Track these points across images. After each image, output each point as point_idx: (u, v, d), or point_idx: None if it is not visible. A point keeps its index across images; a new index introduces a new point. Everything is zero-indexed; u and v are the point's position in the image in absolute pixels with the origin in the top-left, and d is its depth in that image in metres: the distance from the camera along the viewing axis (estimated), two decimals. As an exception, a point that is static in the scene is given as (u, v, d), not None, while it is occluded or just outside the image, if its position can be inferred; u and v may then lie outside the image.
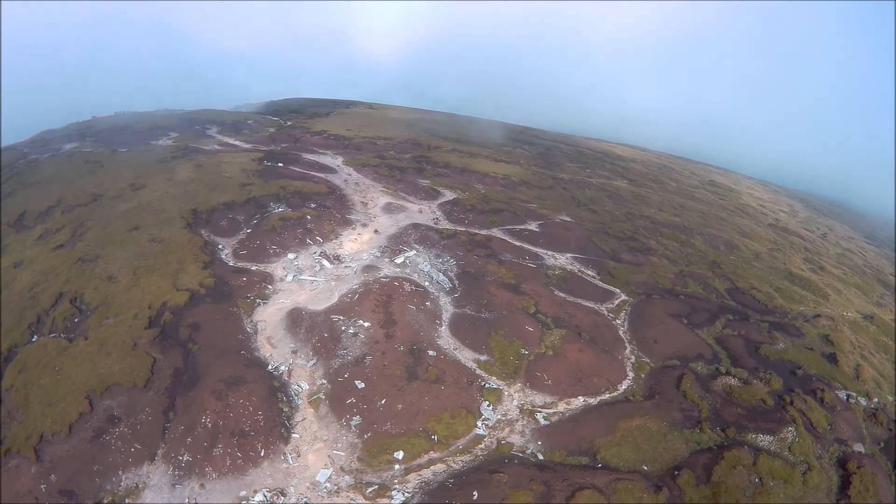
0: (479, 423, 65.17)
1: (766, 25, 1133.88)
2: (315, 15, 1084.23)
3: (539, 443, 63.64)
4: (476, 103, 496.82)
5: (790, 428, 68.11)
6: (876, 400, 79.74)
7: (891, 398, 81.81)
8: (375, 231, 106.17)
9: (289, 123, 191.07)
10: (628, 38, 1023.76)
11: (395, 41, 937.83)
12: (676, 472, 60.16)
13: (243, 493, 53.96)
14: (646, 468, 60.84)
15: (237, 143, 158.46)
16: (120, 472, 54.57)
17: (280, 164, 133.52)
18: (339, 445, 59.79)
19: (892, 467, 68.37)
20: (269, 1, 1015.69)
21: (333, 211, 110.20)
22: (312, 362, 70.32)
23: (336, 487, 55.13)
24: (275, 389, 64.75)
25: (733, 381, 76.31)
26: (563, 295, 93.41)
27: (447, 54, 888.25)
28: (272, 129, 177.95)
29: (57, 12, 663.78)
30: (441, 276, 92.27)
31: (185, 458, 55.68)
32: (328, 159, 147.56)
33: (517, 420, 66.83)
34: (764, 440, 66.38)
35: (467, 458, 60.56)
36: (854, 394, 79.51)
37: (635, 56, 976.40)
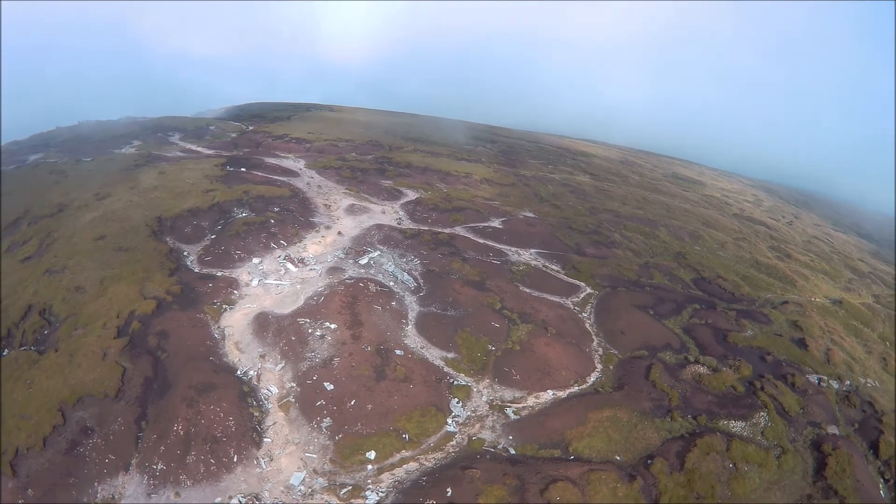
0: (449, 421, 65.87)
1: (746, 23, 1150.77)
2: (282, 16, 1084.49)
3: (510, 437, 64.29)
4: (443, 103, 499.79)
5: (762, 413, 69.33)
6: (848, 382, 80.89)
7: (863, 380, 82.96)
8: (339, 233, 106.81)
9: (250, 128, 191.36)
10: (600, 38, 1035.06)
11: (362, 42, 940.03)
12: (649, 461, 61.04)
13: (218, 499, 54.12)
14: (618, 458, 61.70)
15: (200, 149, 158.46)
16: (96, 484, 54.43)
17: (243, 169, 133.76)
18: (311, 448, 60.08)
19: (868, 448, 69.50)
20: (235, 1, 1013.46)
21: (297, 214, 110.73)
22: (281, 366, 70.52)
23: (310, 490, 55.34)
24: (245, 394, 64.85)
25: (702, 370, 77.44)
26: (528, 290, 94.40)
27: (414, 55, 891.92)
28: (234, 135, 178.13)
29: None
30: (406, 276, 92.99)
31: (159, 467, 55.70)
32: (290, 163, 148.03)
33: (487, 416, 67.52)
34: (736, 426, 67.50)
35: (439, 455, 61.08)
36: (825, 377, 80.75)
37: (607, 55, 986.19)
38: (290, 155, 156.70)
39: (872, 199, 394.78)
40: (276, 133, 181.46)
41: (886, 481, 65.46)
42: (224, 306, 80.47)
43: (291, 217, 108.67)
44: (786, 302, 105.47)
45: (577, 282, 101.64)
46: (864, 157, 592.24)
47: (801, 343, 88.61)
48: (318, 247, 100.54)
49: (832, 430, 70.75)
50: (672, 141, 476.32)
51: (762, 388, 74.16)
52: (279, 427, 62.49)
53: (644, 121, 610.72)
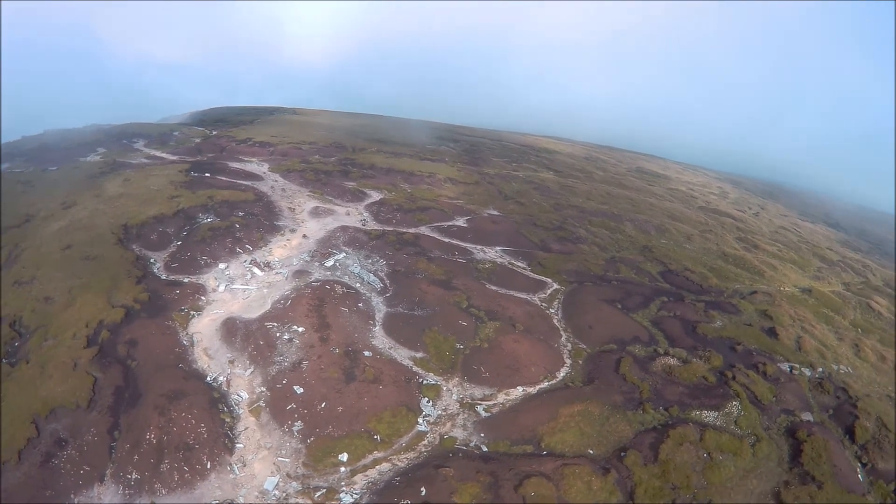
0: (420, 420, 66.36)
1: (718, 22, 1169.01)
2: (244, 19, 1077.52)
3: (482, 435, 64.90)
4: (407, 104, 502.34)
5: (734, 402, 70.71)
6: (821, 370, 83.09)
7: (836, 367, 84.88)
8: (304, 236, 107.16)
9: (214, 133, 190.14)
10: (568, 36, 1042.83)
11: (326, 44, 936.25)
12: (623, 454, 61.93)
13: (194, 506, 54.48)
14: (591, 452, 62.54)
15: (164, 155, 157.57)
16: (72, 496, 54.29)
17: (207, 174, 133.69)
18: (284, 452, 60.36)
19: (844, 433, 70.96)
20: (197, 0, 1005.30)
21: (261, 218, 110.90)
22: (250, 371, 70.73)
23: (285, 494, 55.61)
24: (215, 401, 65.01)
25: (673, 361, 78.81)
26: (494, 288, 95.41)
27: (379, 56, 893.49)
28: (198, 140, 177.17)
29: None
30: (372, 277, 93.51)
31: (133, 477, 55.71)
32: (254, 167, 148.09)
33: (458, 414, 68.17)
34: (709, 416, 68.77)
35: (412, 455, 61.55)
36: (797, 365, 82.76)
37: (575, 53, 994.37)
38: (253, 159, 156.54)
39: (872, 198, 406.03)
40: (239, 137, 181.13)
41: (864, 465, 66.85)
42: (192, 312, 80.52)
43: (256, 221, 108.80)
44: (755, 292, 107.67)
45: (544, 278, 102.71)
46: (843, 152, 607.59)
47: (772, 332, 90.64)
48: (283, 250, 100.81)
49: (806, 416, 72.25)
50: (640, 137, 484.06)
51: (734, 378, 75.60)
52: (251, 432, 62.69)
53: (612, 117, 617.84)
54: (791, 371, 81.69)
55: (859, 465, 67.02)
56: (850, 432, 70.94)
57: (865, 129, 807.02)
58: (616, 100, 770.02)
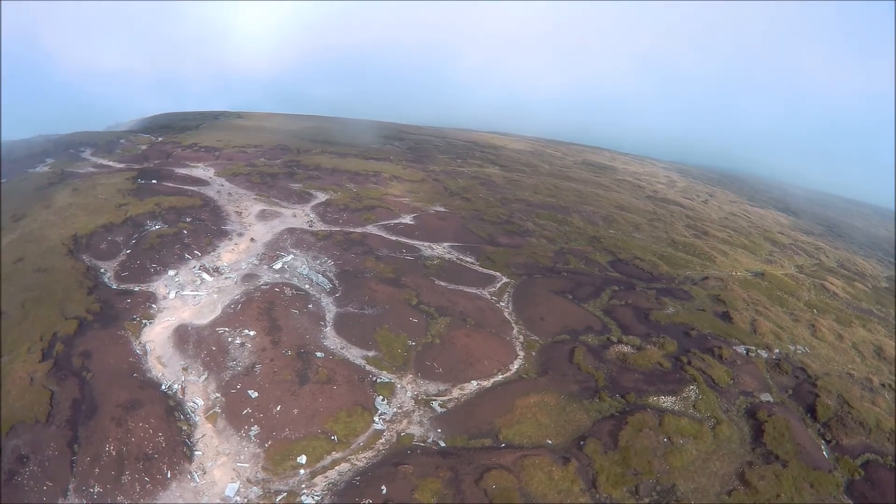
0: (376, 419, 66.77)
1: (660, 14, 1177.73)
2: (187, 26, 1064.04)
3: (439, 430, 65.56)
4: (352, 105, 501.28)
5: (692, 386, 72.18)
6: (777, 351, 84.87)
7: (792, 347, 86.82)
8: (252, 239, 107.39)
9: (160, 139, 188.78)
10: (514, 32, 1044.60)
11: (270, 45, 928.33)
12: (582, 443, 62.60)
13: (157, 516, 54.62)
14: (550, 442, 63.25)
15: (111, 163, 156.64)
16: (37, 513, 54.35)
17: (154, 181, 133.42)
18: (242, 457, 60.57)
19: (805, 412, 72.75)
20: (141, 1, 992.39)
21: (209, 223, 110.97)
22: (204, 377, 70.81)
23: (246, 500, 55.87)
24: (171, 409, 64.91)
25: (626, 349, 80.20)
26: (443, 284, 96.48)
27: (324, 56, 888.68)
28: (144, 147, 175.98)
29: None
30: (320, 278, 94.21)
31: (96, 490, 55.51)
32: (200, 172, 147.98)
33: (414, 411, 68.74)
34: (666, 401, 70.13)
35: (370, 454, 61.90)
36: (753, 347, 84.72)
37: (520, 48, 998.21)
38: (199, 164, 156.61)
39: (873, 193, 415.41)
40: (185, 143, 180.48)
41: (829, 443, 68.38)
42: (144, 321, 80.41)
43: (204, 226, 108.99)
44: (706, 278, 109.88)
45: (493, 272, 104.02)
46: (799, 141, 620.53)
47: (726, 316, 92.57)
48: (231, 255, 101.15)
49: (765, 397, 73.90)
50: (587, 130, 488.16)
51: (689, 363, 77.20)
52: (208, 439, 62.83)
53: (558, 112, 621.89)
54: (747, 353, 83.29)
55: (823, 442, 68.66)
56: (811, 411, 72.85)
57: (822, 120, 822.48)
58: (563, 94, 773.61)
